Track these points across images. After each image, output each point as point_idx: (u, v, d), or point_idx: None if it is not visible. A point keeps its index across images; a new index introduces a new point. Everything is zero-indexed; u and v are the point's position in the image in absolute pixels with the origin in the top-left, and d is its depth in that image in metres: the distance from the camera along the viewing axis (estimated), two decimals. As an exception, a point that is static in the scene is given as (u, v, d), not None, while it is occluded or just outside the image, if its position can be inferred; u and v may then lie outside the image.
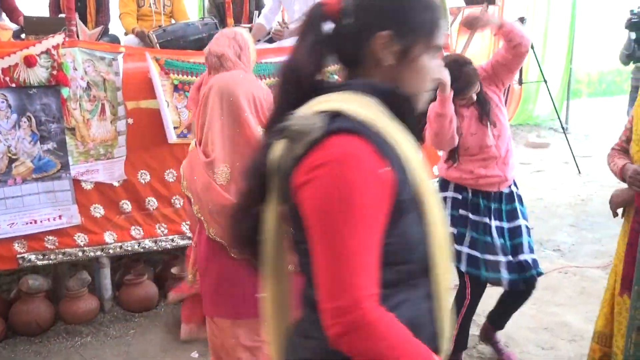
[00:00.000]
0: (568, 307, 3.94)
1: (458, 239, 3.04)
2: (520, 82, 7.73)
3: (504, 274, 2.95)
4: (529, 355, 3.38)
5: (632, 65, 6.48)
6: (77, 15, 3.85)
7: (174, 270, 4.13)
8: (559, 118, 7.93)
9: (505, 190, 3.09)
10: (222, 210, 2.23)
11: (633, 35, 6.15)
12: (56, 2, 5.04)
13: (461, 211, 3.07)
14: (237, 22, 5.30)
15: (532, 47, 7.25)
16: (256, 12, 5.38)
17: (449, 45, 4.94)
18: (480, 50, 9.12)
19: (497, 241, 3.00)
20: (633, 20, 6.09)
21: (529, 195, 6.36)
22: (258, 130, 2.29)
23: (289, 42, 4.69)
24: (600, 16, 13.91)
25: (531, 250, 3.06)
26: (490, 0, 7.64)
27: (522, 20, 7.26)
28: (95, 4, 5.07)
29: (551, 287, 4.20)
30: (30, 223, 3.56)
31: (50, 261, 3.66)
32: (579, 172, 7.14)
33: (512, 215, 3.10)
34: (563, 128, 7.78)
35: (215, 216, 2.32)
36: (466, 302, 3.05)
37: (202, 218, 2.40)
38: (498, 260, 2.97)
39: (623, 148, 2.61)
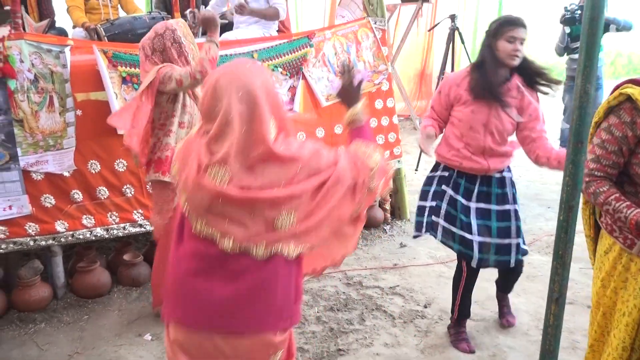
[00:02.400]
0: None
1: (435, 210, 3.16)
2: (453, 74, 7.83)
3: (475, 253, 3.04)
4: (461, 326, 3.44)
5: (566, 57, 6.71)
6: (22, 8, 3.66)
7: (126, 257, 4.04)
8: (487, 108, 8.09)
9: (496, 175, 3.14)
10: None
11: (567, 30, 6.39)
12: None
13: (443, 187, 3.16)
14: (184, 16, 5.19)
15: (462, 42, 7.37)
16: (202, 8, 5.27)
17: (387, 39, 4.94)
18: (415, 47, 9.23)
19: (474, 221, 3.08)
20: (567, 16, 6.33)
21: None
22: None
23: (248, 33, 4.63)
24: (526, 13, 14.24)
25: (518, 235, 3.15)
26: (424, -2, 7.75)
27: (453, 17, 7.38)
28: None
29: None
30: (-20, 214, 3.40)
31: (1, 250, 3.51)
32: (506, 158, 7.30)
33: (503, 199, 3.16)
34: (491, 117, 7.94)
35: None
36: (463, 275, 3.17)
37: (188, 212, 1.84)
38: (471, 239, 3.05)
39: (608, 175, 2.14)
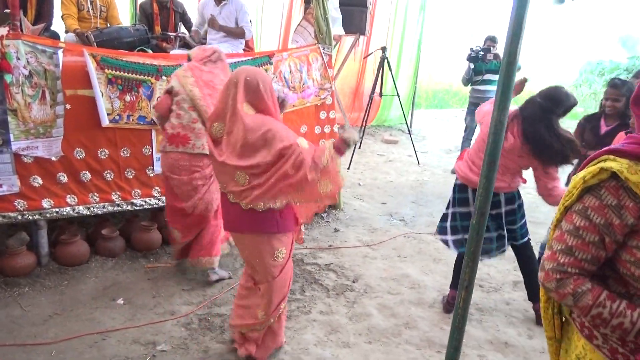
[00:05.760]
0: (409, 263, 4.09)
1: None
2: (380, 95, 7.88)
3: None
4: (382, 299, 3.46)
5: (470, 87, 6.88)
6: (21, 12, 3.38)
7: (104, 231, 3.82)
8: (406, 122, 8.20)
9: (507, 195, 3.11)
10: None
11: (472, 66, 6.54)
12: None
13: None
14: (164, 30, 4.97)
15: (390, 69, 7.43)
16: (180, 24, 5.07)
17: (331, 64, 4.90)
18: (351, 70, 9.24)
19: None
20: (472, 55, 6.49)
21: (383, 178, 6.57)
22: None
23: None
24: (438, 50, 14.62)
25: (522, 237, 3.21)
26: (361, 31, 7.75)
27: (383, 49, 7.43)
28: (36, 3, 4.51)
29: (398, 248, 4.35)
30: (-27, 190, 3.12)
31: (-9, 223, 3.24)
32: (419, 163, 7.44)
33: (511, 214, 3.17)
34: (409, 130, 8.06)
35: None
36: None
37: (223, 189, 2.48)
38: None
39: (585, 271, 1.31)
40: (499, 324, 3.21)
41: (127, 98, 3.60)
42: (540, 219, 5.36)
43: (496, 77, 6.11)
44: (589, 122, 3.64)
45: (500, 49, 6.42)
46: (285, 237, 2.53)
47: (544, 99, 2.88)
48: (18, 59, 3.16)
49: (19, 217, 3.33)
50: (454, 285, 3.33)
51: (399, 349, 2.88)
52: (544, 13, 15.61)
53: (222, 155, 2.37)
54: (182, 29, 4.95)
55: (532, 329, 3.18)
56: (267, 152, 2.31)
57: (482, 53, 6.47)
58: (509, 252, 4.29)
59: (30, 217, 3.38)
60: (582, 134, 3.62)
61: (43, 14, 4.55)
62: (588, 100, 13.13)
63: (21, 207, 3.32)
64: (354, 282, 3.68)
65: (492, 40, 6.63)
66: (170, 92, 3.19)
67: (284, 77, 4.51)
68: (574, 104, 2.90)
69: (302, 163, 2.31)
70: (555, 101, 2.86)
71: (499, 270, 3.93)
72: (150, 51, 4.22)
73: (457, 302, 1.71)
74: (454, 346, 1.74)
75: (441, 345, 2.91)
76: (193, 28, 5.01)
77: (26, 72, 3.21)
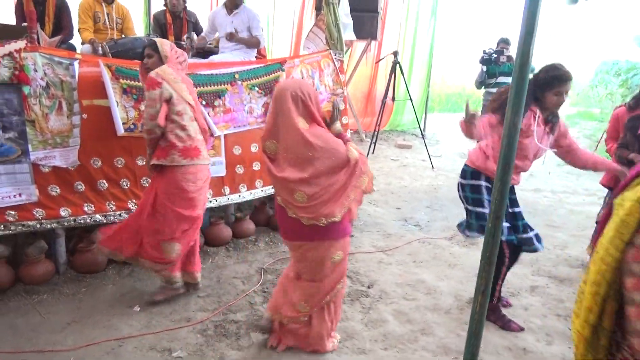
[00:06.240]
0: (424, 268, 4.05)
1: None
2: (393, 99, 7.88)
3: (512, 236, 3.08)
4: (398, 305, 3.43)
5: (483, 89, 6.84)
6: (38, 25, 3.45)
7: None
8: (419, 127, 8.18)
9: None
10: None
11: (485, 68, 6.51)
12: (21, 11, 4.54)
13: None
14: (177, 39, 5.04)
15: (402, 73, 7.42)
16: (193, 33, 5.13)
17: (343, 69, 4.91)
18: (363, 75, 9.25)
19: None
20: (484, 57, 6.47)
21: (397, 183, 6.54)
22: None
23: (232, 57, 4.58)
24: (450, 53, 14.54)
25: (531, 229, 3.17)
26: (373, 36, 7.75)
27: (395, 53, 7.42)
28: (54, 17, 4.61)
29: (413, 253, 4.32)
30: (-7, 200, 3.18)
31: (10, 231, 3.28)
32: (433, 167, 7.40)
33: (514, 203, 3.20)
34: (422, 134, 8.04)
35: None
36: (506, 261, 3.09)
37: (282, 204, 2.56)
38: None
39: None
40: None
41: (142, 107, 3.64)
42: (557, 222, 5.29)
43: (509, 80, 6.06)
44: (631, 122, 3.54)
45: (513, 52, 6.38)
46: (344, 241, 2.63)
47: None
48: (35, 70, 3.22)
49: (38, 226, 3.38)
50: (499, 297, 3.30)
51: (415, 356, 2.85)
52: (557, 13, 15.47)
53: (282, 172, 2.45)
54: (194, 37, 5.00)
55: (551, 335, 3.12)
56: (328, 165, 2.43)
57: (495, 55, 6.43)
58: (527, 256, 4.25)
59: (48, 226, 3.42)
60: (626, 135, 3.55)
61: (61, 27, 4.66)
62: (604, 101, 12.93)
63: (40, 215, 3.37)
64: (369, 287, 3.66)
65: (505, 42, 6.58)
66: (168, 101, 3.03)
67: (296, 84, 4.53)
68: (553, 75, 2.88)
69: (362, 173, 2.52)
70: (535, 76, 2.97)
71: (516, 275, 3.88)
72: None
73: (473, 308, 1.69)
74: (471, 352, 1.72)
75: (458, 352, 2.87)
76: (201, 35, 5.06)
77: (43, 84, 3.27)
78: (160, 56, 3.13)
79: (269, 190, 4.48)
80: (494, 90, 6.55)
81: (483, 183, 3.15)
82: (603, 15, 19.47)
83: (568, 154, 3.16)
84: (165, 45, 3.18)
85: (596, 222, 4.17)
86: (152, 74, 3.02)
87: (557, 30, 17.81)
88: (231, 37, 4.65)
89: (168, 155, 3.07)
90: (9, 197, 3.23)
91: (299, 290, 2.69)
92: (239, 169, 4.26)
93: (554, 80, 2.85)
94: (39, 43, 3.43)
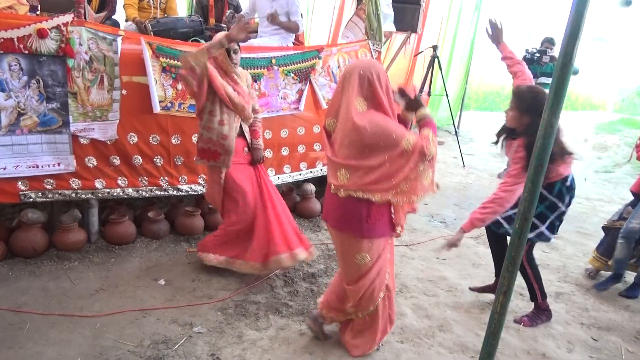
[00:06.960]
0: (447, 265, 4.03)
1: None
2: (429, 94, 7.76)
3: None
4: (417, 299, 3.42)
5: None
6: (85, 1, 3.55)
7: (150, 214, 3.97)
8: (453, 124, 8.06)
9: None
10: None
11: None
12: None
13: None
14: (218, 22, 5.08)
15: (440, 68, 7.30)
16: (233, 13, 5.17)
17: (380, 60, 4.87)
18: (399, 69, 9.13)
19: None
20: (527, 57, 6.30)
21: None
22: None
23: (270, 42, 4.58)
24: (492, 51, 14.18)
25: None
26: (413, 29, 7.64)
27: (434, 47, 7.30)
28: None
29: (437, 250, 4.28)
30: (33, 167, 3.31)
31: (47, 199, 3.43)
32: (464, 165, 7.30)
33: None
34: (455, 131, 7.92)
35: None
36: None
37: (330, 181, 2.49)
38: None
39: None
40: (538, 335, 3.11)
41: (179, 87, 3.71)
42: (588, 230, 5.15)
43: (550, 81, 5.91)
44: None
45: (557, 52, 6.20)
46: (371, 244, 2.45)
47: None
48: (80, 44, 3.32)
49: (73, 195, 3.51)
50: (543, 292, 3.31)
51: (431, 351, 2.84)
52: (609, 15, 14.88)
53: (333, 153, 2.40)
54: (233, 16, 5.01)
55: (573, 342, 3.06)
56: (379, 151, 2.26)
57: (537, 55, 6.26)
58: (555, 262, 4.15)
59: (83, 196, 3.55)
60: None
61: (106, 3, 4.77)
62: (654, 109, 12.43)
63: (76, 185, 3.49)
64: (390, 280, 3.65)
65: (549, 42, 6.39)
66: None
67: (332, 72, 4.52)
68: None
69: (422, 166, 2.28)
70: None
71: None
72: (203, 42, 4.33)
73: (494, 307, 1.67)
74: (487, 351, 1.71)
75: (475, 351, 2.85)
76: (240, 14, 5.07)
77: (87, 58, 3.37)
78: None
79: (296, 176, 4.51)
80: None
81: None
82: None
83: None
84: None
85: (602, 228, 4.05)
86: None
87: (607, 32, 17.14)
88: (272, 18, 4.65)
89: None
90: (49, 165, 3.36)
91: (338, 290, 2.71)
92: (268, 153, 4.30)
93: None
94: (85, 18, 3.52)
